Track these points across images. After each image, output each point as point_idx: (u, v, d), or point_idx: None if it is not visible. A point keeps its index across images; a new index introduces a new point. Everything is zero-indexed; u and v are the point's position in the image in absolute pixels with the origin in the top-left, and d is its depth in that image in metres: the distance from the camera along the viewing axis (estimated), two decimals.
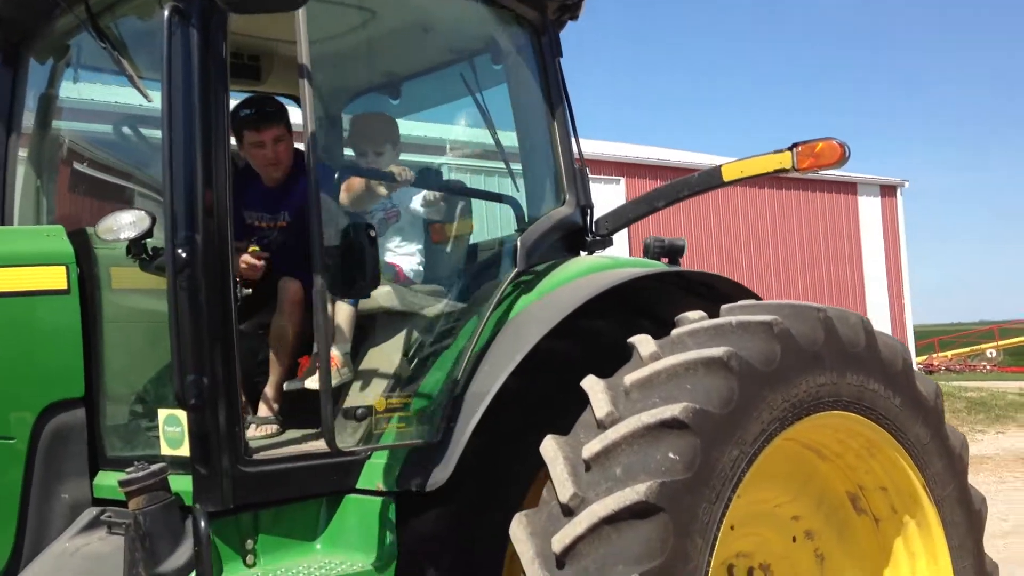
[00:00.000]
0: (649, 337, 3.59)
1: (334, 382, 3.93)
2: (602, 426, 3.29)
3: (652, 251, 4.68)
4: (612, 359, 3.67)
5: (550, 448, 3.35)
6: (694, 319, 3.67)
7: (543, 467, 3.58)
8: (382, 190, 4.23)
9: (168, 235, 3.22)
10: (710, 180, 4.13)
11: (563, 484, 3.20)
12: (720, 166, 4.11)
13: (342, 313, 4.01)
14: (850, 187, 31.74)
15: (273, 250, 4.28)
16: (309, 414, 4.36)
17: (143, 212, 3.35)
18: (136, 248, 3.37)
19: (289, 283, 4.17)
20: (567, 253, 4.42)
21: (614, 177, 24.22)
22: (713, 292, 4.47)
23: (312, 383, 3.87)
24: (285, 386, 4.04)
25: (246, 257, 4.07)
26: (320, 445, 3.79)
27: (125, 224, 3.34)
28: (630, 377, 3.37)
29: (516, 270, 3.98)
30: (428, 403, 3.68)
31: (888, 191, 32.97)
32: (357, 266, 3.31)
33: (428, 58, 5.15)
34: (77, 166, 4.77)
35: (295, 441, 3.90)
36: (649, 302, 4.42)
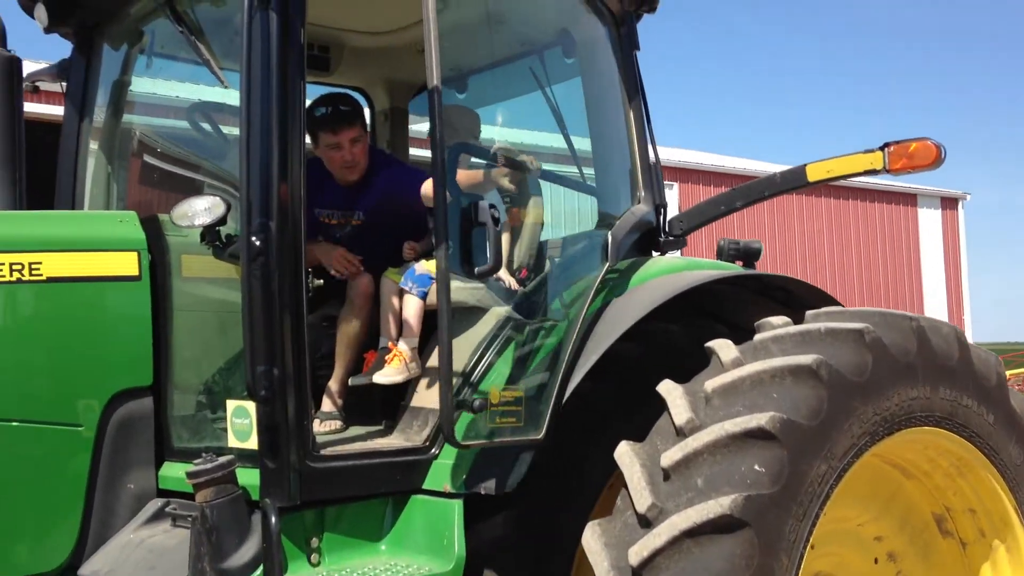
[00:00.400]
0: (730, 342, 3.45)
1: (401, 377, 3.85)
2: (681, 433, 3.16)
3: (727, 254, 4.53)
4: (683, 363, 3.56)
5: (626, 455, 3.23)
6: (778, 324, 3.52)
7: (613, 471, 3.47)
8: (505, 181, 4.11)
9: (243, 222, 3.15)
10: (794, 180, 3.98)
11: (640, 493, 3.07)
12: (805, 165, 3.96)
13: (411, 307, 3.92)
14: (910, 198, 31.22)
15: (346, 248, 4.21)
16: (371, 410, 4.32)
17: (218, 198, 3.29)
18: (210, 235, 3.31)
19: (360, 277, 4.09)
20: (641, 253, 4.30)
21: (668, 182, 23.99)
22: (791, 298, 4.32)
23: (382, 378, 3.79)
24: (351, 381, 3.97)
25: (343, 252, 4.01)
26: (387, 443, 3.72)
27: (200, 210, 3.27)
28: (711, 383, 3.24)
29: (608, 265, 3.87)
30: (537, 400, 3.56)
31: (949, 203, 32.39)
32: (480, 246, 3.22)
33: (498, 51, 5.04)
34: (148, 158, 4.74)
35: (361, 438, 3.82)
36: (722, 306, 4.29)
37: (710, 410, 3.19)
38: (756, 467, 2.97)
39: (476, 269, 3.14)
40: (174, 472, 3.60)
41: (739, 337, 3.60)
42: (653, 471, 3.13)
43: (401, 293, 4.01)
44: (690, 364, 3.58)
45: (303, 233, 3.29)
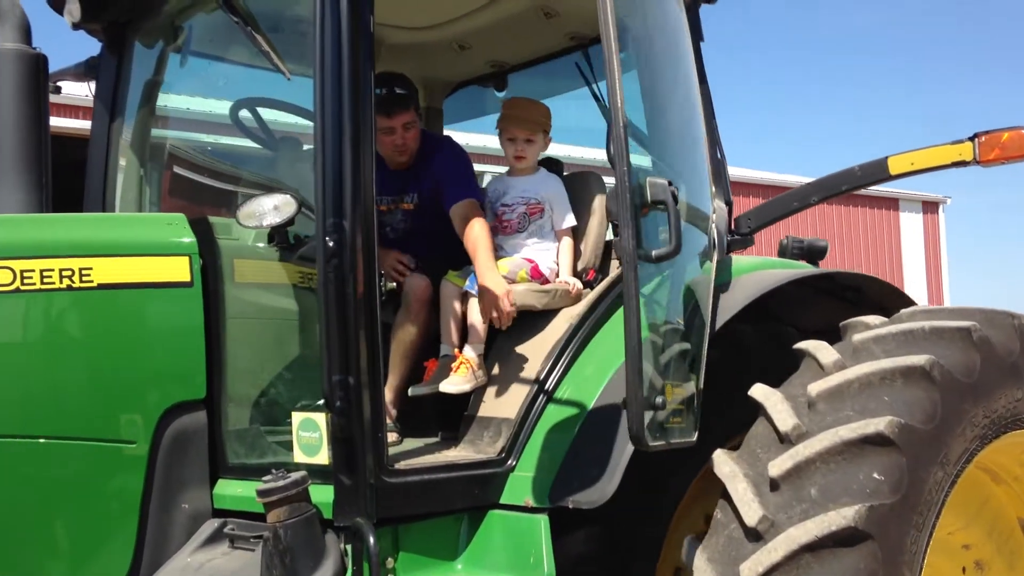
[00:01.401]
0: (824, 343, 3.28)
1: (469, 386, 3.65)
2: (787, 440, 2.98)
3: (790, 252, 4.38)
4: (755, 365, 3.46)
5: (725, 465, 3.05)
6: (874, 324, 3.35)
7: (692, 478, 3.30)
8: None
9: (318, 222, 2.94)
10: (875, 173, 3.82)
11: (748, 505, 2.89)
12: (887, 158, 3.80)
13: (476, 312, 3.72)
14: (892, 203, 31.34)
15: (398, 235, 4.01)
16: (425, 422, 4.11)
17: (288, 196, 3.08)
18: (278, 236, 3.10)
19: (416, 279, 3.89)
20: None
21: None
22: (861, 297, 4.16)
23: (449, 387, 3.59)
24: (412, 391, 3.76)
25: (397, 255, 3.79)
26: (460, 455, 3.52)
27: (268, 209, 3.07)
28: (815, 387, 3.06)
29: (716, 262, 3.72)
30: (690, 400, 3.33)
31: (930, 207, 32.55)
32: (653, 229, 2.99)
33: (544, 46, 4.88)
34: (183, 161, 4.53)
35: (428, 451, 3.62)
36: (787, 306, 4.12)
37: (816, 415, 3.02)
38: (875, 475, 2.79)
39: (654, 253, 2.87)
40: (230, 490, 3.38)
41: (811, 338, 3.45)
42: (758, 481, 2.95)
43: (464, 297, 3.82)
44: (763, 365, 3.43)
45: (376, 233, 3.09)
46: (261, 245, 3.51)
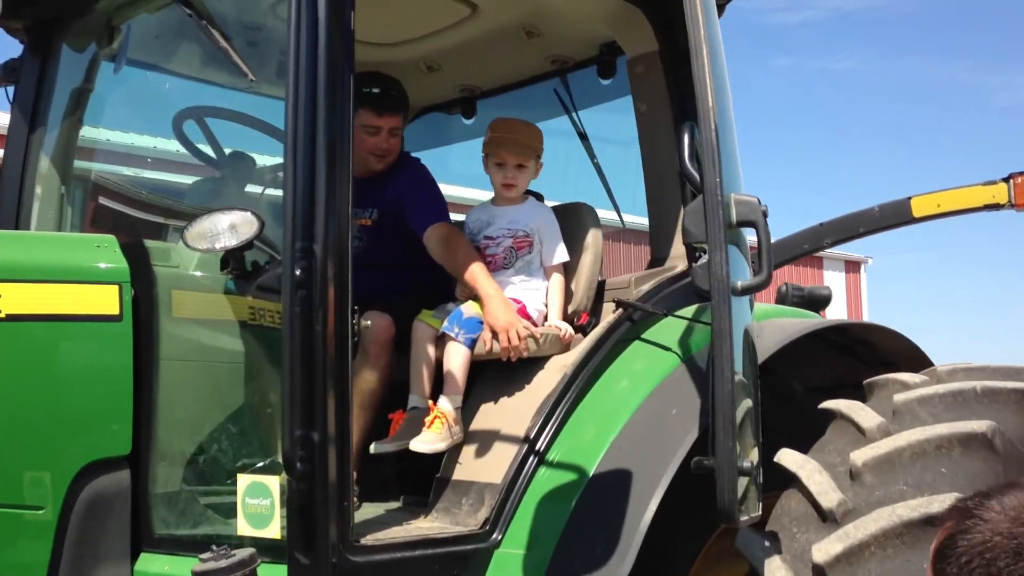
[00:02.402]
0: (861, 404, 2.87)
1: (444, 444, 3.16)
2: (830, 519, 2.55)
3: (790, 299, 3.99)
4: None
5: (755, 545, 2.59)
6: (914, 383, 2.95)
7: (702, 544, 2.86)
8: None
9: (285, 246, 2.44)
10: (896, 216, 3.46)
11: None
12: (910, 199, 3.44)
13: (455, 358, 3.24)
14: (816, 261, 31.80)
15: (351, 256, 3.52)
16: (385, 485, 3.60)
17: (248, 214, 2.57)
18: (234, 261, 2.58)
19: (375, 318, 3.38)
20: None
21: None
22: (870, 352, 3.78)
23: (422, 445, 3.09)
24: (373, 448, 3.24)
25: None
26: (434, 527, 3.01)
27: (224, 229, 2.55)
28: (859, 456, 2.64)
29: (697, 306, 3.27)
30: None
31: (852, 267, 33.15)
32: (737, 255, 2.48)
33: (521, 69, 4.46)
34: (106, 190, 3.97)
35: (395, 520, 3.10)
36: (788, 359, 3.72)
37: (862, 489, 2.60)
38: None
39: (740, 284, 2.40)
40: (156, 567, 2.83)
41: (818, 396, 3.06)
42: (798, 568, 2.50)
43: (439, 341, 3.33)
44: (768, 424, 3.01)
45: (350, 260, 2.59)
46: (202, 274, 2.99)
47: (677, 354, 3.16)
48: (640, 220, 4.55)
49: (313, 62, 2.54)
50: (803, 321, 3.39)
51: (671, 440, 2.81)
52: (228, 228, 2.55)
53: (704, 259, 2.28)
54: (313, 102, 2.54)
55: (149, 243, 3.00)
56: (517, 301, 3.41)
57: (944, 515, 1.55)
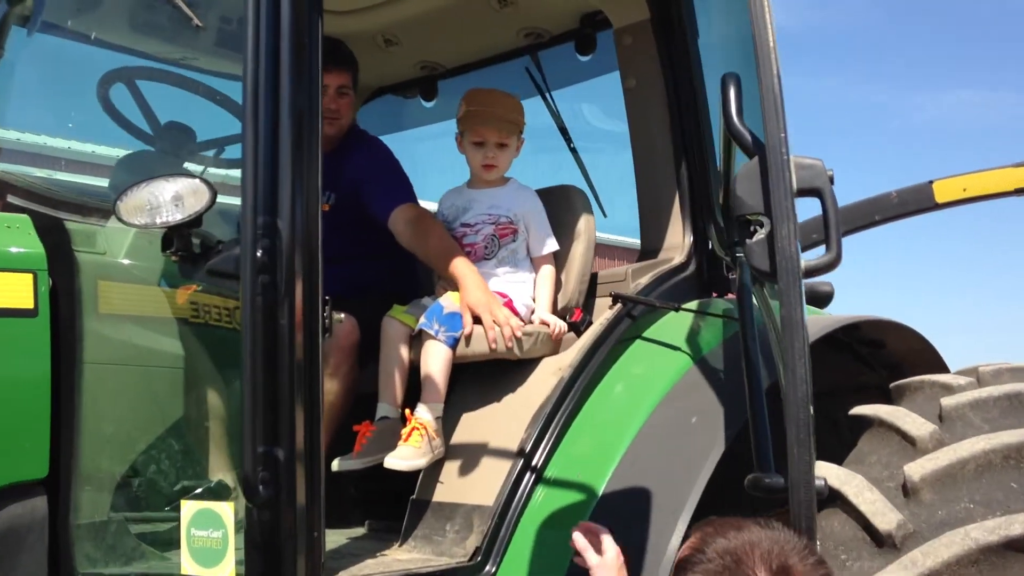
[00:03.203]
0: (906, 410, 2.52)
1: (425, 460, 2.73)
2: (889, 543, 2.18)
3: None
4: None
5: None
6: (958, 385, 2.62)
7: None
8: None
9: (244, 223, 1.99)
10: (917, 201, 3.13)
11: None
12: (931, 183, 3.11)
13: (435, 359, 2.81)
14: None
15: None
16: (343, 506, 3.16)
17: (197, 181, 2.10)
18: (181, 241, 2.11)
19: (339, 321, 2.95)
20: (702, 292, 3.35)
21: None
22: (878, 354, 3.45)
23: (399, 462, 2.66)
24: (337, 465, 2.80)
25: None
26: (414, 557, 2.58)
27: (166, 200, 2.07)
28: (916, 469, 2.29)
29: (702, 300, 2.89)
30: None
31: None
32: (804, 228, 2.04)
33: (490, 44, 4.05)
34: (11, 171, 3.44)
35: (367, 549, 2.66)
36: None
37: (920, 508, 2.24)
38: None
39: (805, 265, 1.95)
40: None
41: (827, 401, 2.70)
42: None
43: (413, 341, 2.90)
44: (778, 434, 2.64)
45: (319, 242, 2.16)
46: (135, 263, 2.52)
47: (688, 353, 2.78)
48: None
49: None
50: (818, 319, 3.04)
51: (694, 453, 2.43)
52: (172, 199, 2.08)
53: (761, 234, 1.89)
54: (275, 41, 2.10)
55: (71, 224, 2.52)
56: (502, 295, 2.99)
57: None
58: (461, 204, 3.22)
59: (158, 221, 2.08)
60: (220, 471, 2.46)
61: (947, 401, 2.52)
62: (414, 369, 2.90)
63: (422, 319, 2.86)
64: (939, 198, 3.10)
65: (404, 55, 4.13)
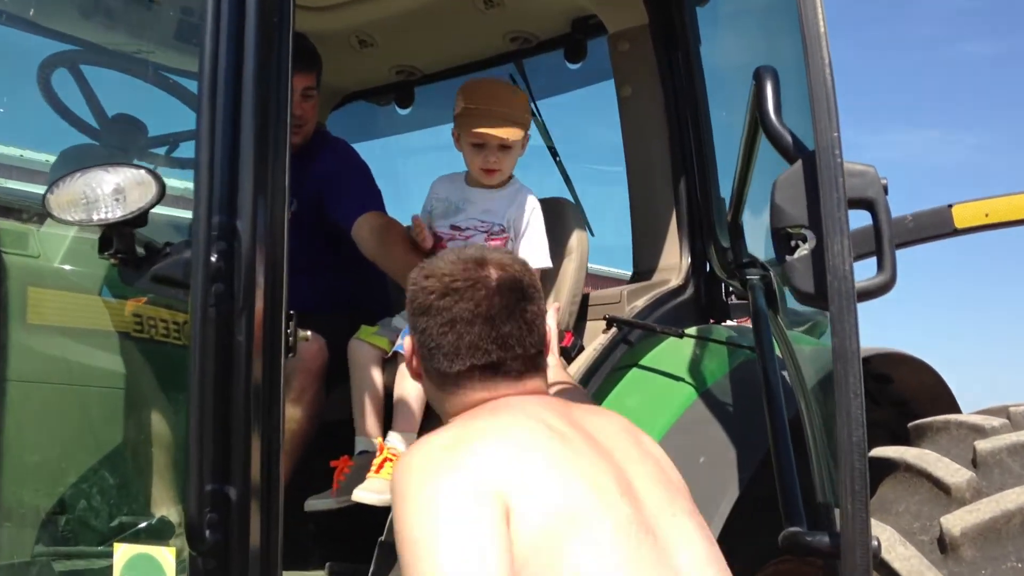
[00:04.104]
0: (938, 455, 2.27)
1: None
2: None
3: None
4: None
5: None
6: (989, 427, 2.37)
7: None
8: None
9: (200, 220, 1.70)
10: (935, 226, 2.90)
11: None
12: (950, 207, 2.89)
13: (410, 382, 2.52)
14: None
15: None
16: (304, 549, 2.86)
17: (143, 171, 1.80)
18: (122, 241, 1.80)
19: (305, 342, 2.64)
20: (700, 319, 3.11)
21: None
22: (883, 390, 3.22)
23: (370, 495, 2.38)
24: (309, 505, 2.51)
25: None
26: None
27: (106, 194, 1.77)
28: (955, 522, 2.05)
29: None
30: None
31: None
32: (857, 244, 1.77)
33: (473, 49, 3.79)
34: None
35: None
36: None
37: (961, 567, 2.03)
38: None
39: (859, 285, 1.68)
40: None
41: None
42: None
43: (386, 364, 2.62)
44: None
45: (285, 248, 1.87)
46: (71, 268, 2.23)
47: (692, 384, 2.52)
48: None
49: None
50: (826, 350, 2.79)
51: (704, 498, 2.15)
52: (112, 192, 1.77)
53: (804, 249, 1.63)
54: (239, 27, 1.83)
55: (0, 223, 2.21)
56: None
57: None
58: (455, 201, 2.89)
59: (95, 218, 1.77)
60: (162, 508, 2.15)
61: (982, 445, 2.27)
62: (389, 394, 2.61)
63: (397, 341, 2.57)
64: (958, 223, 2.88)
65: (379, 57, 3.86)
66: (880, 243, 1.65)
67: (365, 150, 3.64)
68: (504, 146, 2.78)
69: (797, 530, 1.75)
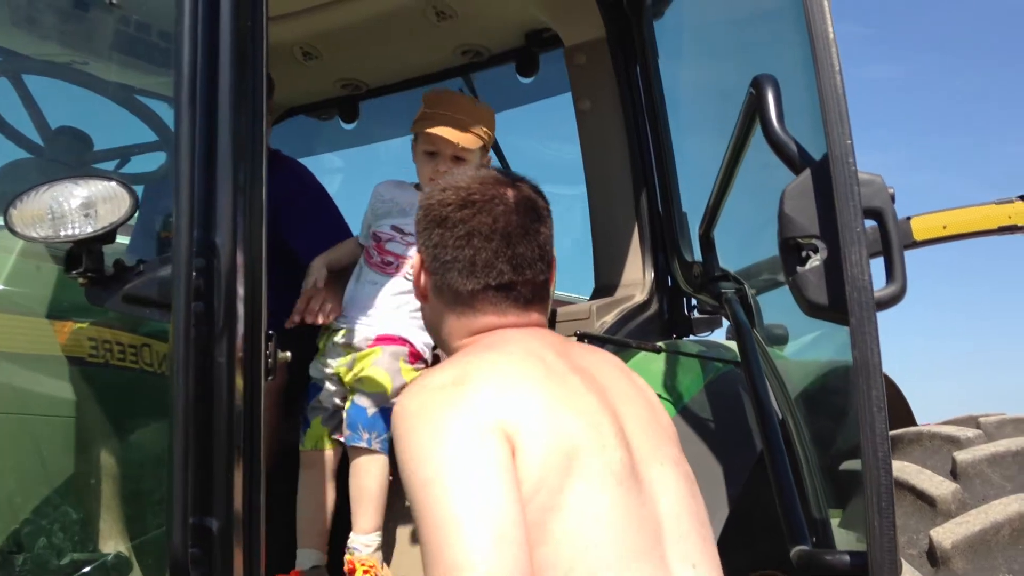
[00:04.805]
0: (918, 466, 2.27)
1: None
2: None
3: None
4: None
5: None
6: (967, 438, 2.38)
7: None
8: None
9: (181, 237, 1.60)
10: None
11: None
12: (909, 219, 2.92)
13: (371, 475, 2.40)
14: None
15: None
16: None
17: (114, 184, 1.68)
18: (89, 259, 1.68)
19: None
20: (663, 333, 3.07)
21: None
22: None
23: None
24: None
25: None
26: None
27: (73, 208, 1.64)
28: (944, 535, 2.04)
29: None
30: None
31: None
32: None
33: (421, 62, 3.72)
34: None
35: None
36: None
37: None
38: None
39: (876, 294, 1.57)
40: None
41: None
42: None
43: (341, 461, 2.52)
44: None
45: (264, 264, 1.78)
46: (20, 289, 2.11)
47: (669, 400, 2.48)
48: None
49: None
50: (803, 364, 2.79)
51: None
52: (80, 207, 1.65)
53: (815, 260, 1.60)
54: (214, 36, 1.73)
55: None
56: (402, 341, 2.53)
57: None
58: (401, 203, 2.70)
59: (62, 234, 1.65)
60: (124, 543, 2.02)
61: (961, 456, 2.28)
62: (341, 494, 2.50)
63: (347, 433, 2.43)
64: (917, 235, 2.91)
65: (324, 71, 3.76)
66: (889, 252, 1.63)
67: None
68: (457, 157, 2.61)
69: (810, 549, 1.71)
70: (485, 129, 2.66)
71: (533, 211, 1.77)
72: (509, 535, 1.40)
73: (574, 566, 1.46)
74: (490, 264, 1.71)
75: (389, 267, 2.62)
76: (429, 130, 2.59)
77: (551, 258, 1.80)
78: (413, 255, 2.44)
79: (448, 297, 1.77)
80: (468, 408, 1.53)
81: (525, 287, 1.74)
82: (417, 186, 2.75)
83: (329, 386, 2.55)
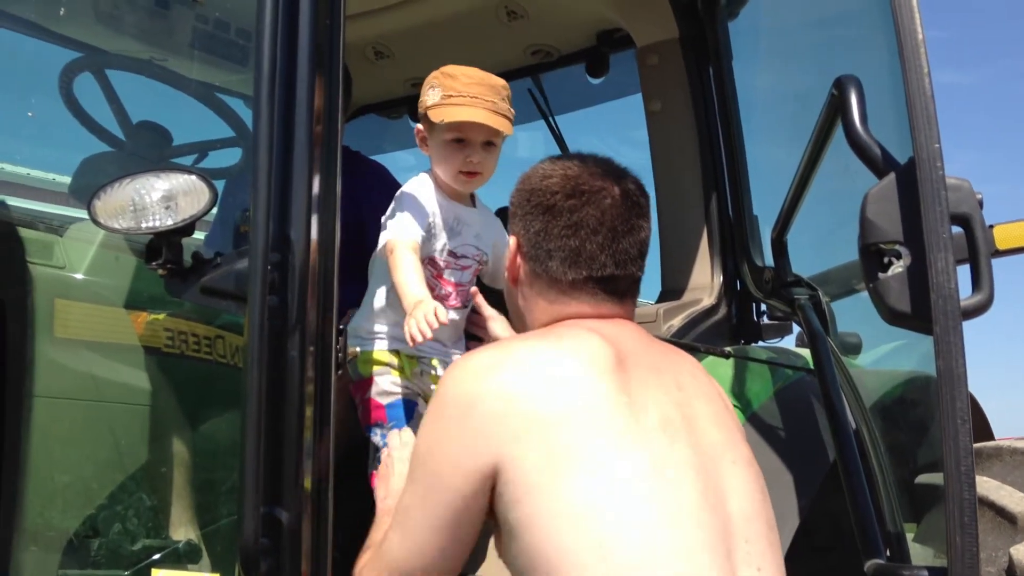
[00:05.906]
0: (997, 482, 2.21)
1: None
2: None
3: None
4: None
5: None
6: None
7: None
8: None
9: (254, 232, 1.62)
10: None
11: None
12: (991, 226, 2.83)
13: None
14: None
15: None
16: None
17: (195, 178, 1.72)
18: (169, 251, 1.71)
19: None
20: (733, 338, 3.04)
21: None
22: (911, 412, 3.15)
23: None
24: None
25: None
26: None
27: (155, 201, 1.68)
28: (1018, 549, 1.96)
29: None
30: None
31: None
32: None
33: (492, 61, 3.69)
34: None
35: None
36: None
37: None
38: None
39: (962, 303, 1.53)
40: None
41: None
42: None
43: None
44: None
45: (336, 258, 1.79)
46: (99, 279, 2.14)
47: (738, 407, 2.45)
48: None
49: None
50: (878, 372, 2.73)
51: None
52: (161, 199, 1.68)
53: (897, 267, 1.57)
54: (293, 35, 1.76)
55: (24, 232, 2.11)
56: None
57: None
58: (450, 221, 2.33)
59: (144, 225, 1.68)
60: (196, 531, 2.05)
61: None
62: None
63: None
64: (1000, 244, 2.81)
65: (395, 70, 3.79)
66: (976, 260, 1.59)
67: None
68: (490, 142, 2.26)
69: (885, 563, 1.68)
70: (511, 111, 2.30)
71: (637, 206, 1.76)
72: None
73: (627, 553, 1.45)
74: (594, 257, 1.71)
75: (448, 299, 2.33)
76: (460, 119, 2.22)
77: (646, 253, 1.79)
78: (466, 281, 2.34)
79: (544, 284, 1.77)
80: (473, 431, 1.59)
81: (624, 282, 1.74)
82: (439, 188, 2.35)
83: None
